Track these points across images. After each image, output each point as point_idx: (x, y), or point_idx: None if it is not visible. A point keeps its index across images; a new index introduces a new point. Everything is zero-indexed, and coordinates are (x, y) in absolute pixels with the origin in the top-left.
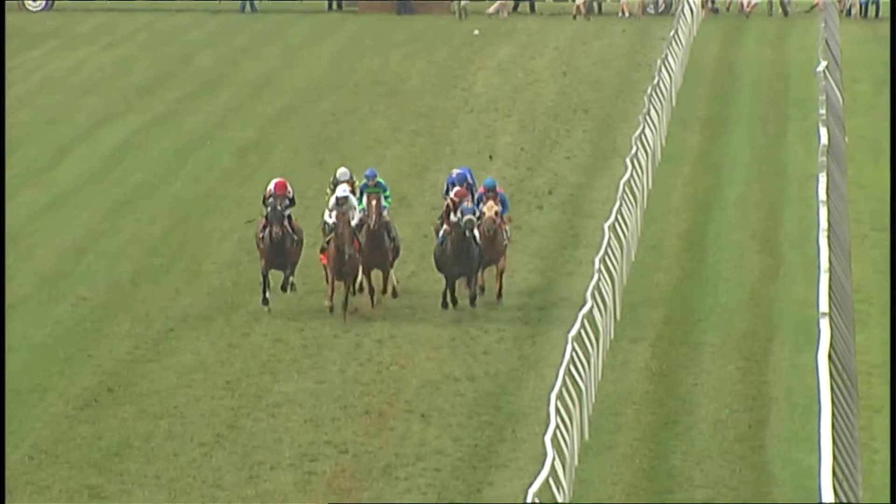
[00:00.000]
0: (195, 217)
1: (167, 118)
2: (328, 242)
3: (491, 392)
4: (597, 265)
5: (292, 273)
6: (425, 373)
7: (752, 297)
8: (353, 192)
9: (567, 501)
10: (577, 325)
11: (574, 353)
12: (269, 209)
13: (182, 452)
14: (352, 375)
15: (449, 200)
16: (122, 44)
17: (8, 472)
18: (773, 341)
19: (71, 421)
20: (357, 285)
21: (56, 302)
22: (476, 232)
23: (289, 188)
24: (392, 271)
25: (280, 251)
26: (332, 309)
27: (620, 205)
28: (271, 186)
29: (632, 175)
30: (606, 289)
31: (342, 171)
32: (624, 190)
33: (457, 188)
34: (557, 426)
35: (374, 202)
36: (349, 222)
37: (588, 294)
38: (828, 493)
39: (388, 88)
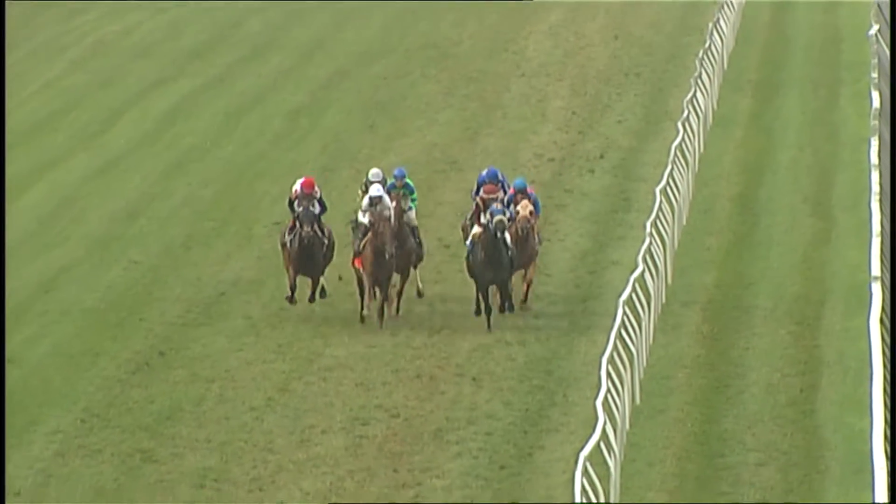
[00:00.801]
0: (246, 181)
1: (218, 82)
2: (363, 246)
3: (542, 356)
4: (648, 229)
5: (318, 282)
6: (476, 337)
7: (804, 261)
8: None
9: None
10: (629, 288)
11: (625, 317)
12: (299, 209)
13: (233, 416)
14: (403, 339)
15: (478, 200)
16: (173, 8)
17: (60, 436)
18: (824, 305)
19: (123, 384)
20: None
21: (108, 266)
22: (507, 235)
23: (316, 188)
24: (417, 272)
25: (310, 254)
26: (364, 319)
27: (672, 168)
28: (297, 186)
29: (683, 138)
30: (658, 252)
31: (374, 172)
32: (675, 153)
33: (486, 185)
34: (609, 390)
35: (394, 203)
36: (389, 219)
37: (639, 258)
38: (879, 457)
39: (439, 52)
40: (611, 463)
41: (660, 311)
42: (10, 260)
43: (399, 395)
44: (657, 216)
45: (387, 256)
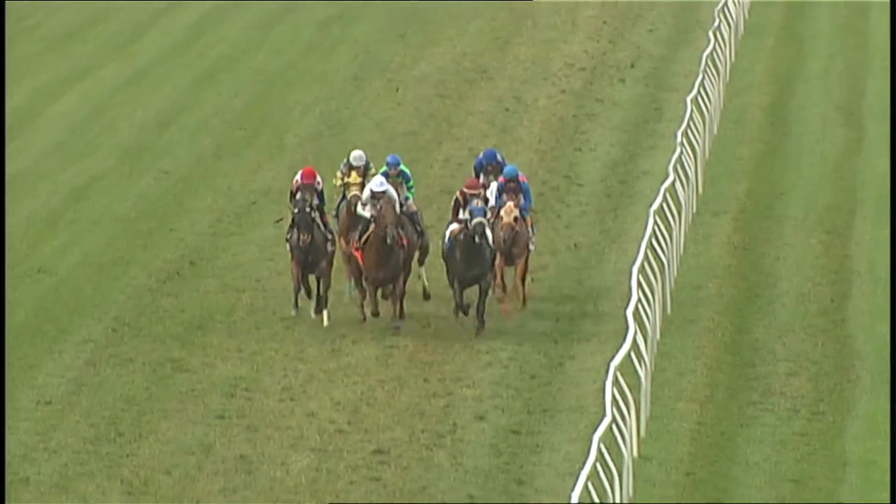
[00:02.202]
0: (277, 90)
1: None
2: (366, 240)
3: (573, 266)
4: (679, 139)
5: (327, 285)
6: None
7: (835, 170)
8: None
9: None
10: (660, 198)
11: (656, 227)
12: (295, 211)
13: (264, 326)
14: (433, 249)
15: (458, 194)
16: None
17: (91, 345)
18: (855, 214)
19: (154, 294)
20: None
21: (139, 175)
22: (489, 232)
23: (317, 177)
24: (423, 269)
25: (313, 253)
26: (366, 318)
27: (703, 78)
28: (298, 177)
29: (715, 48)
30: (689, 162)
31: (356, 155)
32: (707, 63)
33: (470, 179)
34: (639, 300)
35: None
36: (393, 205)
37: (670, 167)
38: None
39: None
40: (641, 373)
41: (690, 220)
42: (42, 169)
43: (429, 305)
44: (688, 126)
45: (388, 241)
